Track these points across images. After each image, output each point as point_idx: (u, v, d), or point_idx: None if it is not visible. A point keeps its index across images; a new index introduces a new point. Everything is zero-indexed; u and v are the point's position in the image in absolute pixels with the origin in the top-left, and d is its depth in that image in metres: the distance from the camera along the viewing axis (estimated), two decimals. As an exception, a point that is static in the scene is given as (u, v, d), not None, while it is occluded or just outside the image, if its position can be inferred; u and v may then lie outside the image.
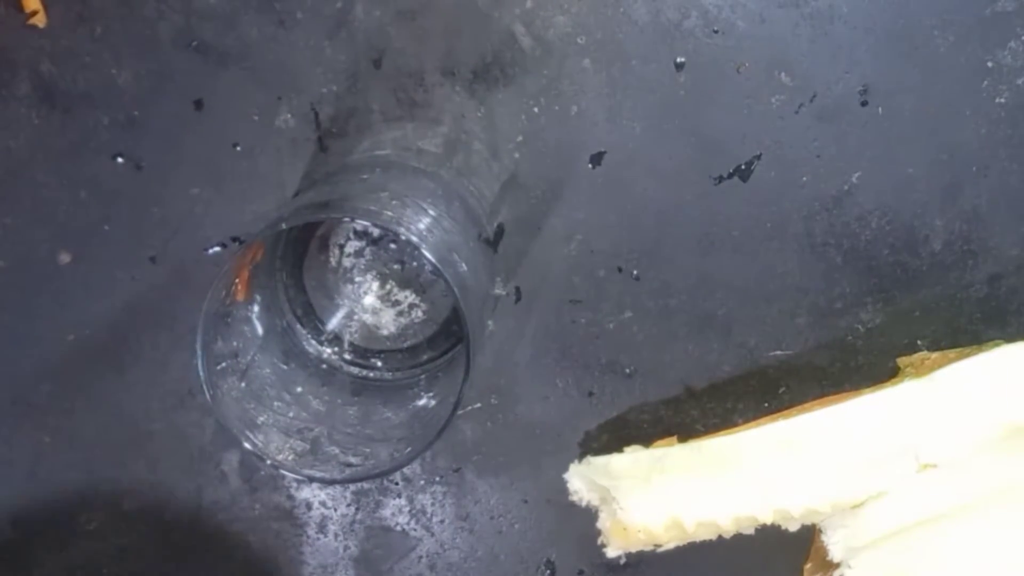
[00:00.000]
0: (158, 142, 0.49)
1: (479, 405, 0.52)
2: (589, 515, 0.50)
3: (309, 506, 0.53)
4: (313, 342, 0.49)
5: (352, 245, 0.49)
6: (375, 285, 0.49)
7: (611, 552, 0.50)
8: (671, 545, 0.49)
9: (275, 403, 0.44)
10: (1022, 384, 0.46)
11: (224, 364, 0.43)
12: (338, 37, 0.47)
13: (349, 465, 0.43)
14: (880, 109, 0.48)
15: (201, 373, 0.40)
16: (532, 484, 0.53)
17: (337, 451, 0.43)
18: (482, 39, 0.47)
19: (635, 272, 0.50)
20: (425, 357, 0.50)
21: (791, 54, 0.48)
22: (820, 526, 0.49)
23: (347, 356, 0.50)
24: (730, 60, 0.48)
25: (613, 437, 0.52)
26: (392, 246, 0.49)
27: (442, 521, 0.53)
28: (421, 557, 0.54)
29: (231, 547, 0.54)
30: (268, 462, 0.41)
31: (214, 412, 0.41)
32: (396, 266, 0.50)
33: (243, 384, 0.44)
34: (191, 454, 0.52)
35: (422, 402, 0.45)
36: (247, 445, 0.41)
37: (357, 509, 0.53)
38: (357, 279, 0.50)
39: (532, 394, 0.52)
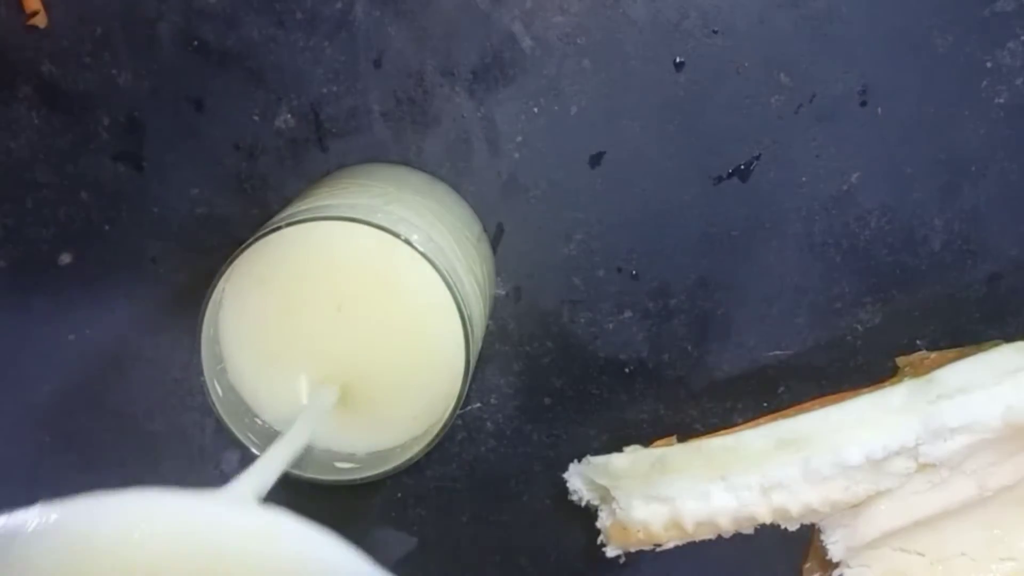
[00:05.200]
0: (158, 142, 0.49)
1: (479, 405, 0.52)
2: (588, 514, 0.50)
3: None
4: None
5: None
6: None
7: (610, 551, 0.50)
8: (670, 544, 0.49)
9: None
10: (1021, 384, 0.46)
11: (224, 364, 0.43)
12: (338, 37, 0.47)
13: (348, 466, 0.43)
14: (879, 109, 0.48)
15: (203, 373, 0.41)
16: (531, 484, 0.53)
17: (336, 452, 0.43)
18: (482, 39, 0.47)
19: (634, 272, 0.51)
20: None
21: (790, 54, 0.48)
22: (819, 526, 0.49)
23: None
24: (729, 60, 0.48)
25: (612, 437, 0.52)
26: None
27: (442, 521, 0.54)
28: (420, 557, 0.54)
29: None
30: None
31: (214, 412, 0.41)
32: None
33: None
34: (191, 454, 0.52)
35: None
36: (247, 445, 0.41)
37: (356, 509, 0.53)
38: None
39: (532, 393, 0.52)
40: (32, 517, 0.30)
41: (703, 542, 0.49)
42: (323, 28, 0.47)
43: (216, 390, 0.41)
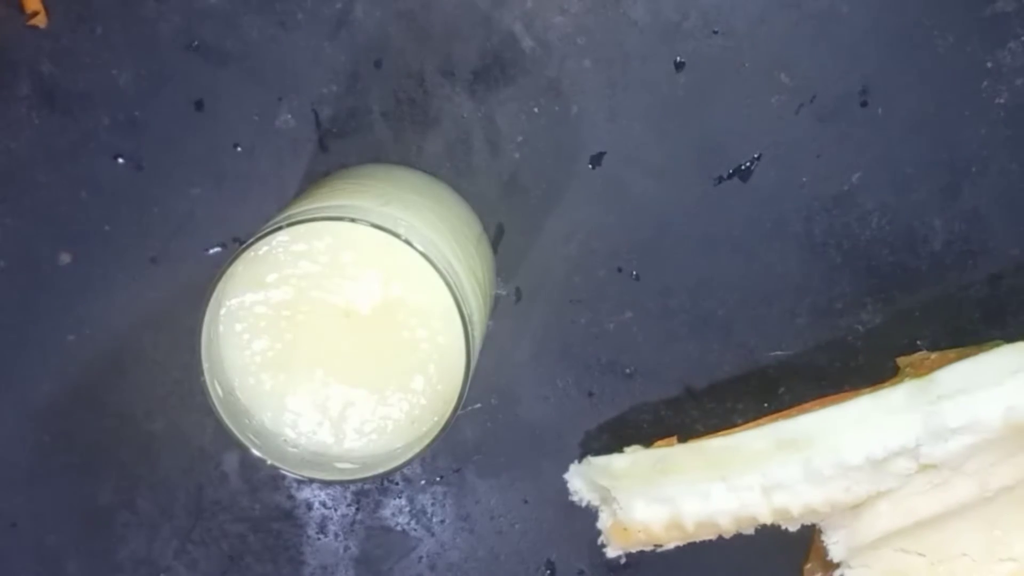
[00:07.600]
0: (158, 142, 0.49)
1: (479, 405, 0.52)
2: (589, 515, 0.50)
3: (309, 506, 0.53)
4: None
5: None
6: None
7: (611, 552, 0.50)
8: (671, 545, 0.49)
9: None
10: (1022, 384, 0.46)
11: (224, 364, 0.43)
12: (338, 37, 0.48)
13: (348, 466, 0.43)
14: (880, 109, 0.48)
15: (203, 374, 0.41)
16: (532, 484, 0.53)
17: (336, 452, 0.43)
18: (482, 40, 0.47)
19: (635, 272, 0.51)
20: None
21: (791, 54, 0.48)
22: (820, 526, 0.49)
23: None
24: (730, 60, 0.48)
25: (613, 437, 0.52)
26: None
27: (442, 521, 0.54)
28: (421, 557, 0.54)
29: (232, 547, 0.54)
30: (268, 462, 0.42)
31: (214, 413, 0.41)
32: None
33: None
34: (191, 454, 0.52)
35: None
36: (247, 446, 0.41)
37: (357, 509, 0.53)
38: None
39: (532, 394, 0.52)
40: None
41: (704, 543, 0.49)
42: (323, 28, 0.47)
43: (216, 391, 0.41)
